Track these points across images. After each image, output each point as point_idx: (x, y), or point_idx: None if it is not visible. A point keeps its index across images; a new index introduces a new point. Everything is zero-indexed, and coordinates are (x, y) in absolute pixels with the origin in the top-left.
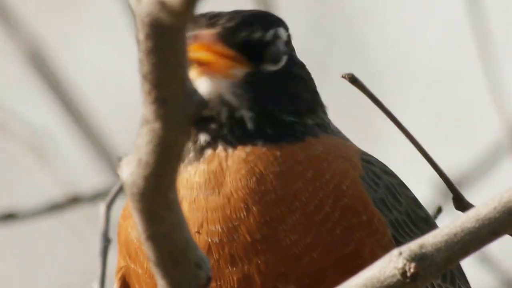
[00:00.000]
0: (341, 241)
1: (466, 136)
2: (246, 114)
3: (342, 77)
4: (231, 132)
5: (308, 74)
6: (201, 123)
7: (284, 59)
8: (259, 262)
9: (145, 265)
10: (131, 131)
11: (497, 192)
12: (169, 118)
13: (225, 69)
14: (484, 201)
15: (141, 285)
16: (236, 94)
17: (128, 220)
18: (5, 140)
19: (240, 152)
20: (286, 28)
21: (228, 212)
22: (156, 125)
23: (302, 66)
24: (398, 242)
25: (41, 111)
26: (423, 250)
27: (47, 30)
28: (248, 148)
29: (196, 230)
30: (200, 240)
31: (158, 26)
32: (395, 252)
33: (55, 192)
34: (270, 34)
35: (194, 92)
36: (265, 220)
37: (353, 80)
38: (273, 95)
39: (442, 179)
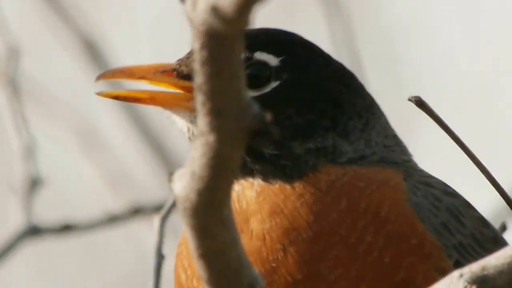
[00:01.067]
0: (390, 269)
1: None
2: None
3: (409, 100)
4: None
5: (321, 94)
6: (257, 137)
7: (272, 84)
8: None
9: None
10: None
11: None
12: (224, 131)
13: (178, 101)
14: None
15: None
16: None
17: (179, 258)
18: (58, 131)
19: (248, 191)
20: (278, 53)
21: (265, 255)
22: (211, 138)
23: (307, 87)
24: (463, 265)
25: (97, 106)
26: (485, 273)
27: (104, 20)
28: (256, 185)
29: None
30: None
31: (213, 35)
32: (455, 273)
33: (115, 202)
34: None
35: (250, 104)
36: (305, 259)
37: (420, 103)
38: None
39: (507, 203)
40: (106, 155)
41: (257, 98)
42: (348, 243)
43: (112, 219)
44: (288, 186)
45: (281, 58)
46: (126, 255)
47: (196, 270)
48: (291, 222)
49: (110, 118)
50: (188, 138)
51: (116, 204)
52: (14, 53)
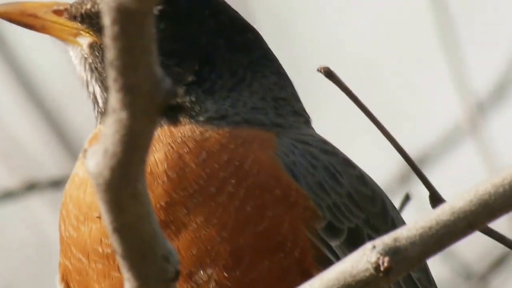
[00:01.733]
0: (253, 218)
1: (426, 116)
2: (96, 89)
3: (318, 70)
4: (94, 110)
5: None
6: (170, 111)
7: None
8: None
9: (72, 261)
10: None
11: (457, 174)
12: (136, 107)
13: (68, 35)
14: (460, 193)
15: (72, 281)
16: (84, 65)
17: (61, 208)
18: None
19: None
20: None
21: None
22: (123, 114)
23: (179, 39)
24: (335, 227)
25: None
26: (397, 244)
27: None
28: None
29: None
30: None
31: (124, 10)
32: (368, 245)
33: (8, 178)
34: None
35: (163, 79)
36: (161, 205)
37: (328, 74)
38: None
39: (419, 177)
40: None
41: None
42: (207, 193)
43: (7, 195)
44: None
45: (160, 7)
46: (21, 231)
47: (111, 243)
48: None
49: (2, 91)
50: (81, 77)
51: (9, 179)
52: None
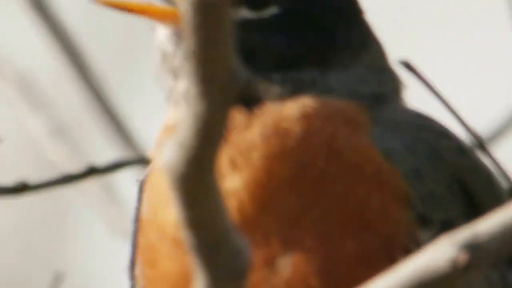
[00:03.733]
0: (342, 198)
1: (495, 92)
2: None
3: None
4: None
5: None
6: (243, 102)
7: (271, 10)
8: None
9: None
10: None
11: None
12: (214, 99)
13: (164, 16)
14: None
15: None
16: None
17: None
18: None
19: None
20: None
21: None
22: (200, 107)
23: (304, 19)
24: (426, 218)
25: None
26: (477, 239)
27: None
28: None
29: None
30: None
31: (207, 2)
32: (446, 240)
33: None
34: None
35: (239, 70)
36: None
37: (408, 66)
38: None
39: (501, 174)
40: (51, 111)
41: (251, 21)
42: (298, 171)
43: (69, 179)
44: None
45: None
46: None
47: (184, 238)
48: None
49: (55, 74)
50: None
51: (59, 158)
52: None
